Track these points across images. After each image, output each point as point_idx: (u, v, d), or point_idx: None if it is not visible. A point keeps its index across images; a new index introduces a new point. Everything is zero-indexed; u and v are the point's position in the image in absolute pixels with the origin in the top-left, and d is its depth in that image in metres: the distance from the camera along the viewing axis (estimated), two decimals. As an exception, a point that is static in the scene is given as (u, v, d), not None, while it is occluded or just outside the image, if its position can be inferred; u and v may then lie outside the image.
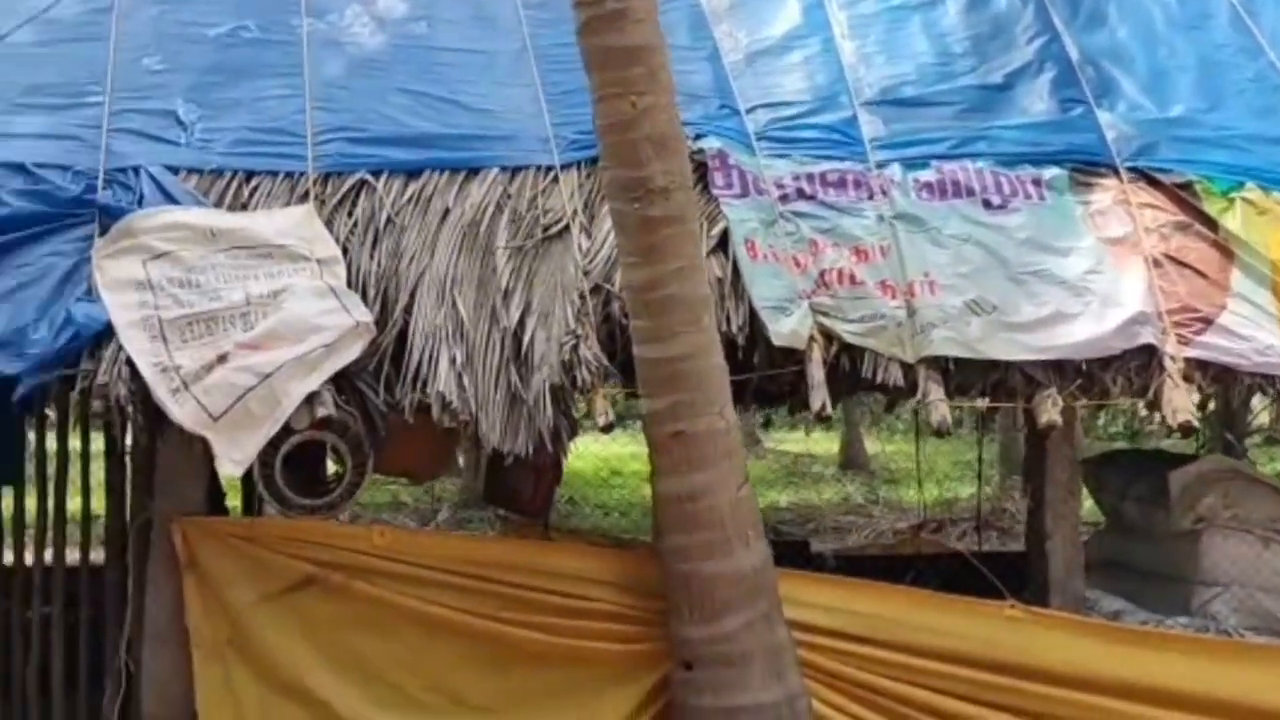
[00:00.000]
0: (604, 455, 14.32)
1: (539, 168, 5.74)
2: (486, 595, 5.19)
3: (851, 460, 17.03)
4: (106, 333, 4.90)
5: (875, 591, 5.36)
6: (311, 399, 4.89)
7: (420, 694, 5.23)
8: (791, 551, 7.24)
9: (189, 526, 5.19)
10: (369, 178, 5.61)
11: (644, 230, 4.75)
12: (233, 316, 5.01)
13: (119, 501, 5.62)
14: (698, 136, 5.56)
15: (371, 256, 5.38)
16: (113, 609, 5.52)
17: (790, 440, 18.62)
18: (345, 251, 5.36)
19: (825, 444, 18.35)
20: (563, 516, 11.64)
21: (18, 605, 6.00)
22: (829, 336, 5.23)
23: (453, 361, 5.07)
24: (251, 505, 6.25)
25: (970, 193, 5.70)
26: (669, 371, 4.79)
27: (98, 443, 6.17)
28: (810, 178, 5.65)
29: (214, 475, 5.35)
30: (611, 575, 5.20)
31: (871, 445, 17.65)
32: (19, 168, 5.36)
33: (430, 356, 5.08)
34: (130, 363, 4.82)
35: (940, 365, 5.22)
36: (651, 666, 5.09)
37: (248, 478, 5.84)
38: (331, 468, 5.85)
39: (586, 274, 5.30)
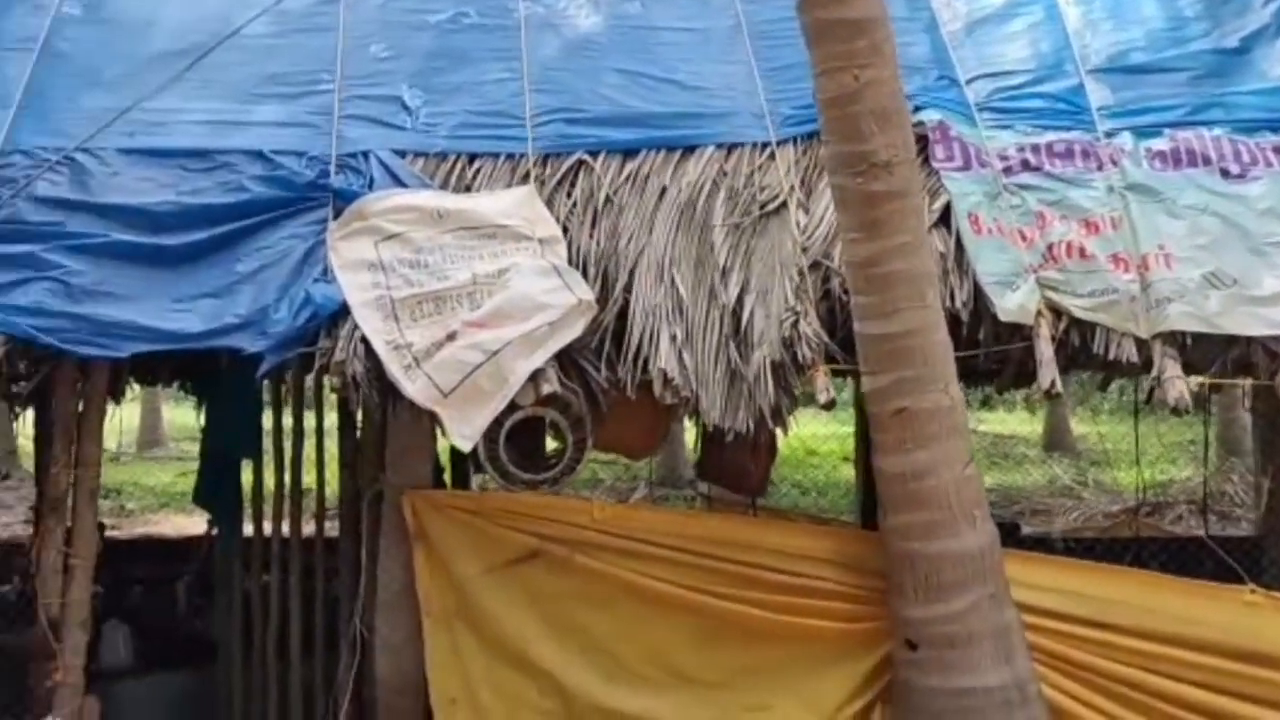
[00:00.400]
0: (800, 435, 14.26)
1: (755, 144, 5.73)
2: (705, 570, 5.22)
3: (1056, 441, 16.59)
4: (342, 312, 5.08)
5: (1107, 574, 5.21)
6: (536, 376, 4.98)
7: (640, 666, 5.30)
8: (1001, 534, 7.07)
9: (418, 499, 5.36)
10: (587, 158, 5.69)
11: (866, 205, 4.69)
12: (460, 295, 5.14)
13: (352, 475, 5.83)
14: (917, 109, 5.46)
15: (591, 236, 5.45)
16: (346, 578, 5.74)
17: (990, 420, 18.22)
18: (565, 231, 5.45)
19: (1026, 424, 17.90)
20: (760, 495, 11.63)
21: (256, 574, 6.31)
22: (1057, 311, 5.09)
23: (673, 339, 5.10)
24: (461, 480, 6.42)
25: (1206, 161, 5.47)
26: (892, 348, 4.72)
27: (330, 419, 6.42)
28: (1035, 149, 5.50)
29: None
30: (831, 553, 5.17)
31: (1077, 426, 17.15)
32: (258, 154, 5.61)
33: (650, 334, 5.12)
34: (365, 340, 4.99)
35: (1176, 341, 5.03)
36: (872, 646, 5.05)
37: (454, 452, 5.98)
38: (549, 444, 5.96)
39: (805, 250, 5.26)
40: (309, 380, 6.15)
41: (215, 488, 6.51)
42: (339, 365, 4.94)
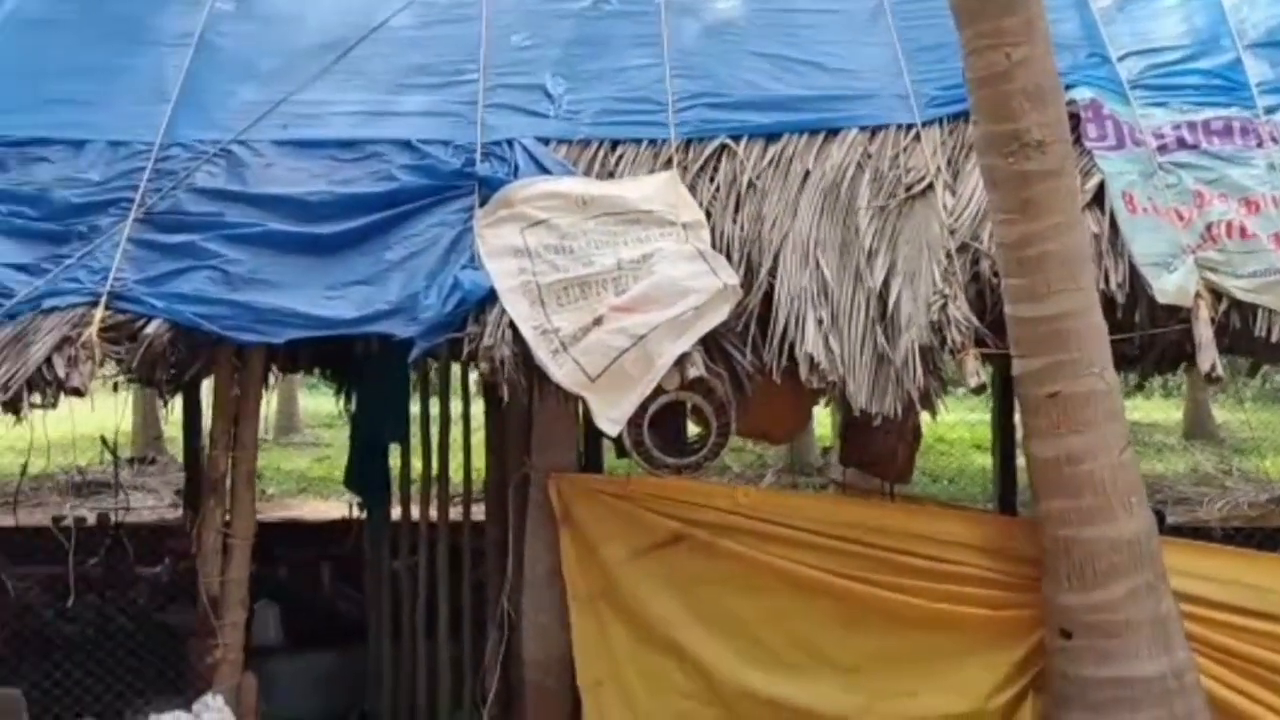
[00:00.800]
0: (927, 421, 14.05)
1: (899, 126, 5.68)
2: (850, 555, 5.19)
3: (1197, 428, 16.14)
4: (489, 298, 5.15)
5: (1266, 562, 5.06)
6: (682, 360, 5.00)
7: (785, 651, 5.29)
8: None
9: (564, 483, 5.42)
10: (729, 142, 5.69)
11: (1019, 185, 4.61)
12: (605, 281, 5.18)
13: (498, 460, 5.92)
14: (1068, 87, 5.33)
15: (734, 220, 5.45)
16: (493, 560, 5.83)
17: (1127, 406, 17.75)
18: (708, 216, 5.45)
19: (1164, 411, 17.44)
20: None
21: (405, 556, 6.44)
22: (1216, 293, 4.95)
23: (819, 323, 5.08)
24: (594, 464, 6.46)
25: (1371, 136, 5.27)
26: (1045, 331, 4.64)
27: (475, 404, 6.53)
28: (1192, 126, 5.36)
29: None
30: (980, 539, 5.11)
31: (1218, 413, 16.66)
32: (405, 144, 5.71)
33: (796, 318, 5.10)
34: (512, 326, 5.06)
35: (1345, 323, 4.87)
36: (1023, 634, 4.98)
37: (589, 436, 6.02)
38: (690, 429, 5.98)
39: (952, 232, 5.20)
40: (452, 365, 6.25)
41: (364, 472, 6.66)
42: (487, 350, 5.01)
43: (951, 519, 5.44)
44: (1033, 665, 4.95)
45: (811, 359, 4.98)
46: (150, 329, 5.04)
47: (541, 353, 4.98)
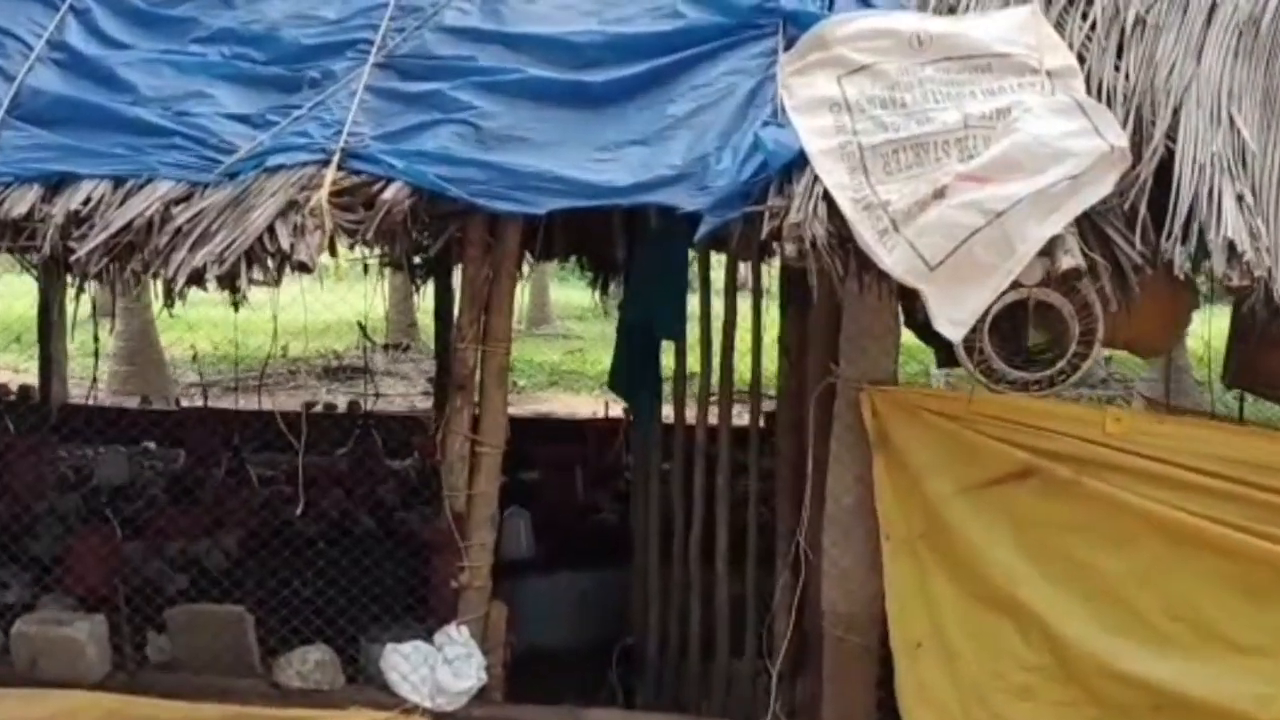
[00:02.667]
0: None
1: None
2: (1260, 506, 4.01)
3: None
4: (798, 162, 4.09)
5: None
6: (1051, 246, 3.84)
7: (1159, 619, 4.20)
8: None
9: (881, 398, 4.35)
10: (1108, -34, 4.42)
11: None
12: (947, 142, 4.04)
13: (796, 364, 4.88)
14: None
15: (1117, 67, 4.24)
16: (785, 484, 4.84)
17: None
18: (1081, 61, 4.24)
19: None
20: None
21: (678, 468, 5.50)
22: None
23: (1238, 199, 3.83)
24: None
25: None
26: None
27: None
28: None
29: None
30: None
31: None
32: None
33: (1209, 193, 3.86)
34: (827, 198, 3.99)
35: None
36: None
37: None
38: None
39: None
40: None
41: (633, 372, 5.68)
42: (794, 229, 3.94)
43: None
44: None
45: (1231, 246, 3.74)
46: (388, 194, 4.19)
47: (865, 232, 3.89)
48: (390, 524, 6.72)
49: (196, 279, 4.06)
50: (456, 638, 4.68)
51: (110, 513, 5.97)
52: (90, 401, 9.21)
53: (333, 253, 4.28)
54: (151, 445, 8.51)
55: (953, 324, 3.87)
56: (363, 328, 11.21)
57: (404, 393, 15.22)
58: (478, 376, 4.72)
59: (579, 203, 4.24)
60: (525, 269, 9.07)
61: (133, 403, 11.14)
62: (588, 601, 6.18)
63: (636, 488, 5.75)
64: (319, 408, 11.65)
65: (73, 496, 6.90)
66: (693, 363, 5.60)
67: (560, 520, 7.67)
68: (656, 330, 5.26)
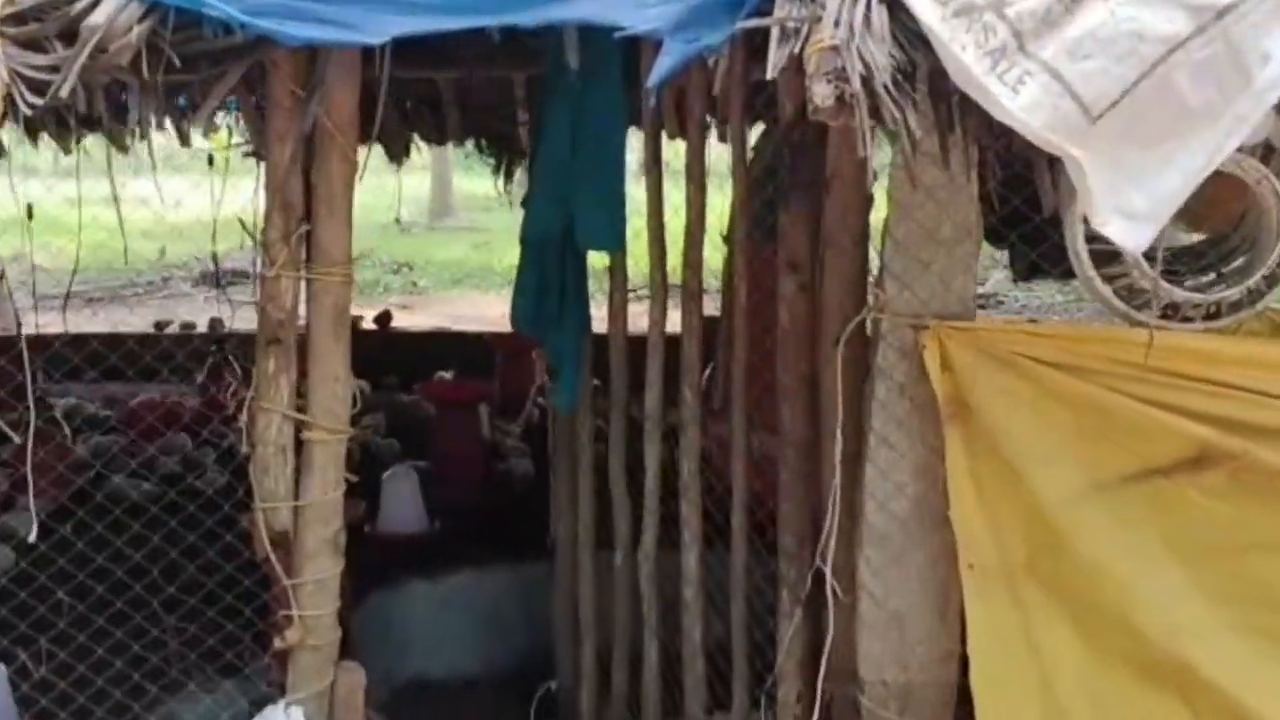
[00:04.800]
0: None
1: None
2: None
3: None
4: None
5: None
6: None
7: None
8: None
9: (956, 341, 2.65)
10: None
11: None
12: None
13: (803, 294, 3.09)
14: None
15: None
16: (792, 476, 3.07)
17: None
18: None
19: None
20: None
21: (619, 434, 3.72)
22: None
23: None
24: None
25: None
26: None
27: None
28: None
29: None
30: None
31: None
32: None
33: None
34: (890, 4, 2.21)
35: None
36: None
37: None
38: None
39: None
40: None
41: (546, 301, 3.61)
42: (827, 56, 2.16)
43: None
44: None
45: None
46: (100, 14, 2.34)
47: (965, 56, 2.12)
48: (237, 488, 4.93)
49: None
50: (287, 721, 2.97)
51: None
52: None
53: (16, 119, 2.42)
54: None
55: (1129, 219, 2.13)
56: (243, 224, 9.26)
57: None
58: (301, 321, 2.95)
59: (442, 23, 2.43)
60: (417, 154, 7.35)
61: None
62: (499, 612, 4.47)
63: (557, 463, 3.97)
64: (173, 327, 9.76)
65: None
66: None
67: (461, 476, 5.98)
68: (579, 240, 3.34)
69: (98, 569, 3.65)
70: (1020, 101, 2.08)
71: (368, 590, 4.43)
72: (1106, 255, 2.58)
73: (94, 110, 2.41)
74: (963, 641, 2.75)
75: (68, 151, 3.79)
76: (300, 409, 2.98)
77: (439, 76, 6.48)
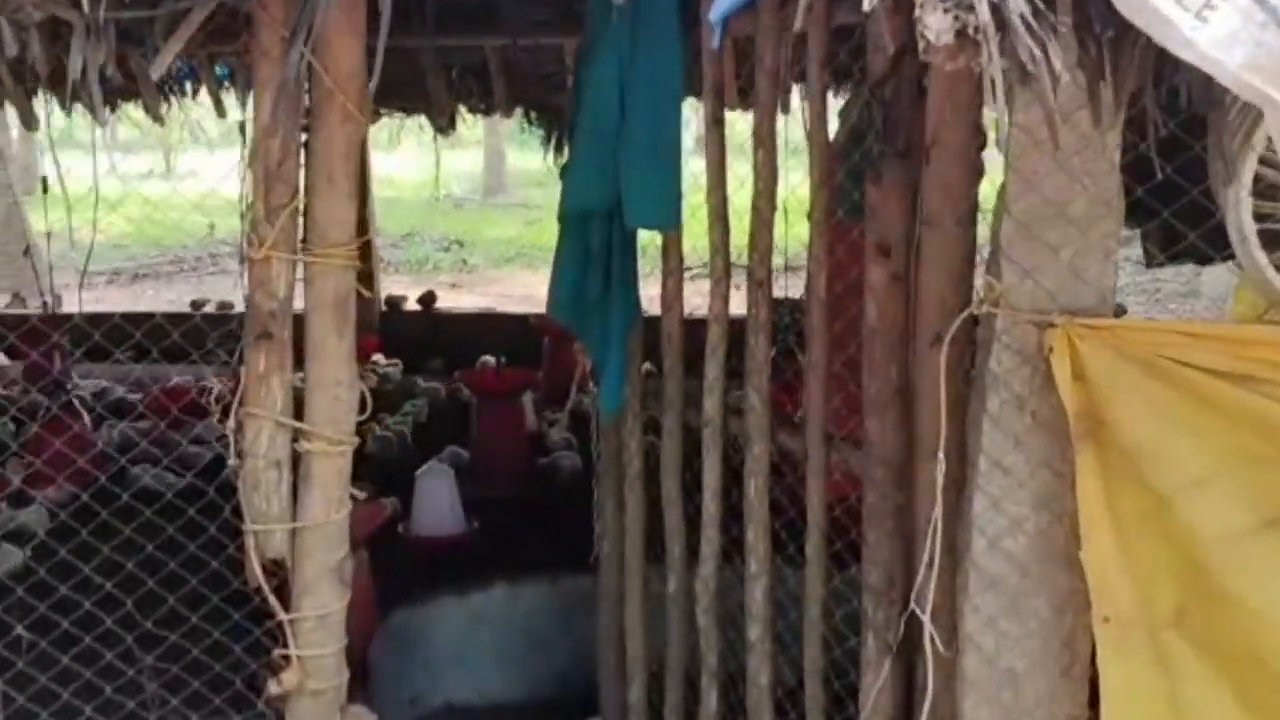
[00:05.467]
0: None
1: None
2: None
3: None
4: None
5: None
6: None
7: None
8: None
9: (1091, 342, 2.14)
10: None
11: None
12: None
13: (893, 283, 2.58)
14: None
15: None
16: (880, 500, 2.59)
17: None
18: None
19: None
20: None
21: (672, 447, 3.23)
22: None
23: None
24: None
25: None
26: None
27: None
28: None
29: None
30: None
31: None
32: None
33: None
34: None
35: None
36: None
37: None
38: None
39: None
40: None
41: (587, 287, 3.13)
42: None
43: None
44: None
45: None
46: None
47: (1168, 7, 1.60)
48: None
49: None
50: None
51: None
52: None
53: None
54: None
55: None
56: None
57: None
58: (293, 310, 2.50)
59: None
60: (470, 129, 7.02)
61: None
62: (538, 630, 4.00)
63: (604, 478, 3.46)
64: (210, 306, 9.42)
65: None
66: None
67: (502, 470, 5.57)
68: (628, 217, 2.81)
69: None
70: (1210, 33, 1.56)
71: (399, 601, 4.00)
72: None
73: (28, 54, 1.96)
74: (1092, 706, 2.27)
75: (102, 123, 3.40)
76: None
77: (485, 44, 6.09)
